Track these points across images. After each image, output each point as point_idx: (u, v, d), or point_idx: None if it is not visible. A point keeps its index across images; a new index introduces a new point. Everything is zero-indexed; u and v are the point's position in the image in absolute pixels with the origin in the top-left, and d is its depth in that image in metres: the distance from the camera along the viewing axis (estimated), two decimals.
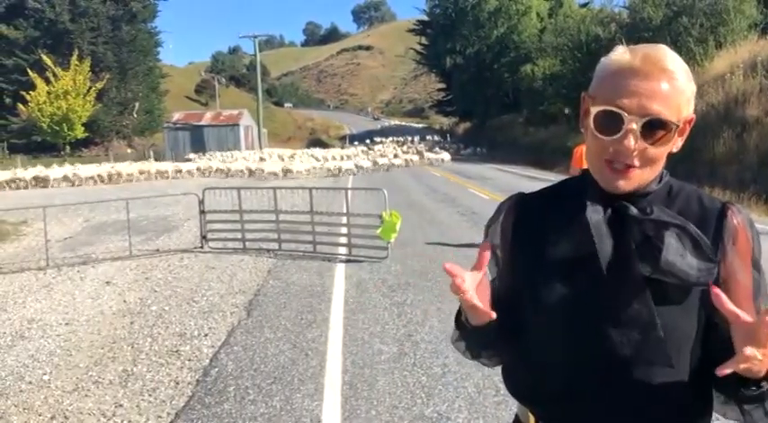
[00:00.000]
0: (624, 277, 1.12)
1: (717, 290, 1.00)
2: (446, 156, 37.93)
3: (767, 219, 11.70)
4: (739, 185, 14.61)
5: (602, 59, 1.17)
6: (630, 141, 1.08)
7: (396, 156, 36.79)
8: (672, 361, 1.11)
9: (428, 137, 60.13)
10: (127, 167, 30.69)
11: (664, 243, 1.10)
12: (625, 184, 1.12)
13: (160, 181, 29.74)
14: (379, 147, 45.05)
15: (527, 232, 1.24)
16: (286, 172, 29.79)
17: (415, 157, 37.16)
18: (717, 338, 1.13)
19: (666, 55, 1.12)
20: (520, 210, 1.29)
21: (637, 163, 1.10)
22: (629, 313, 1.11)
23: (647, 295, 1.10)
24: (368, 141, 56.10)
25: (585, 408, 1.16)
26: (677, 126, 1.11)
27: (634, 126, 1.08)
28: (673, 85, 1.10)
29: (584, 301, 1.14)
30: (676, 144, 1.15)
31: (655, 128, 1.09)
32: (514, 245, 1.27)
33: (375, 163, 33.03)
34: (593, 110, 1.12)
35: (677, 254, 1.10)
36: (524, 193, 1.33)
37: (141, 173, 30.45)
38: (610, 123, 1.10)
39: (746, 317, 0.98)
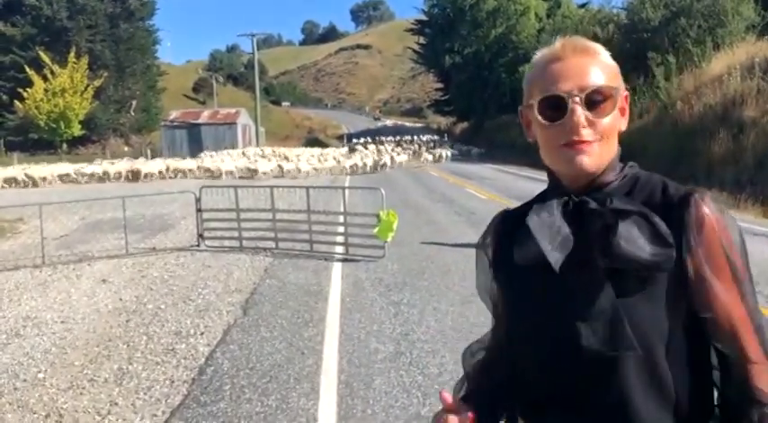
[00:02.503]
0: (585, 273, 1.12)
1: None
2: (447, 153, 37.80)
3: (764, 220, 11.72)
4: (736, 187, 14.62)
5: (526, 73, 1.23)
6: (579, 115, 1.11)
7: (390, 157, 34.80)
8: (639, 352, 1.09)
9: (426, 137, 59.92)
10: (38, 170, 27.06)
11: (618, 230, 1.10)
12: (588, 162, 1.12)
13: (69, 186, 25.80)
14: (360, 148, 41.60)
15: (507, 247, 1.25)
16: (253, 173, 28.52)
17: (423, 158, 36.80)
18: (710, 334, 1.13)
19: (582, 39, 1.19)
20: (502, 226, 1.32)
21: (591, 137, 1.12)
22: (594, 309, 1.11)
23: (608, 288, 1.10)
24: (354, 141, 55.04)
25: (568, 412, 1.16)
26: (617, 90, 1.14)
27: (578, 100, 1.11)
28: (598, 60, 1.16)
29: (551, 303, 1.15)
30: (622, 123, 1.18)
31: (597, 98, 1.12)
32: (496, 260, 1.31)
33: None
34: (535, 101, 1.16)
35: (629, 240, 1.09)
36: (508, 209, 1.36)
37: (59, 176, 27.14)
38: (554, 109, 1.13)
39: None
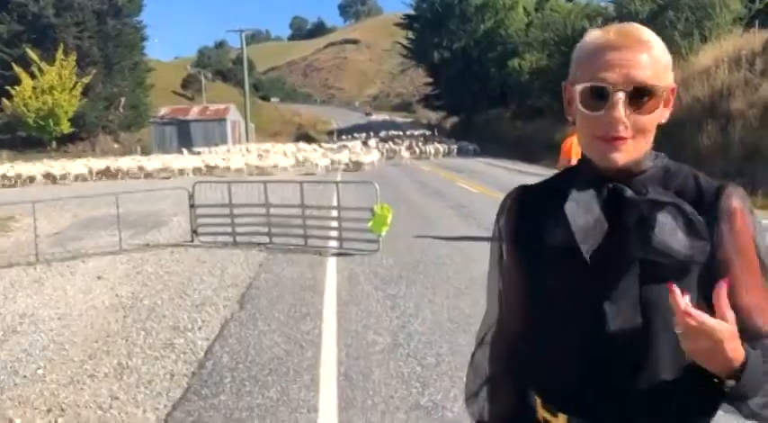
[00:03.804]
0: (617, 260, 1.13)
1: (721, 288, 1.02)
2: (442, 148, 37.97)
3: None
4: (724, 178, 14.71)
5: (577, 45, 1.19)
6: (620, 111, 1.10)
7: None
8: (668, 335, 1.10)
9: (416, 132, 59.89)
10: None
11: (656, 223, 1.11)
12: (620, 157, 1.12)
13: None
14: (334, 147, 40.03)
15: (529, 223, 1.26)
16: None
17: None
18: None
19: (639, 28, 1.16)
20: (523, 202, 1.31)
21: (628, 133, 1.12)
22: (622, 297, 1.12)
23: (636, 278, 1.12)
24: (338, 138, 54.83)
25: (597, 399, 1.15)
26: (664, 90, 1.13)
27: (621, 96, 1.10)
28: (651, 55, 1.13)
29: (580, 288, 1.16)
30: (664, 115, 1.17)
31: (642, 95, 1.11)
32: (518, 237, 1.29)
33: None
34: (579, 87, 1.14)
35: (670, 233, 1.11)
36: (526, 185, 1.35)
37: None
38: (597, 98, 1.12)
39: (730, 318, 1.01)
